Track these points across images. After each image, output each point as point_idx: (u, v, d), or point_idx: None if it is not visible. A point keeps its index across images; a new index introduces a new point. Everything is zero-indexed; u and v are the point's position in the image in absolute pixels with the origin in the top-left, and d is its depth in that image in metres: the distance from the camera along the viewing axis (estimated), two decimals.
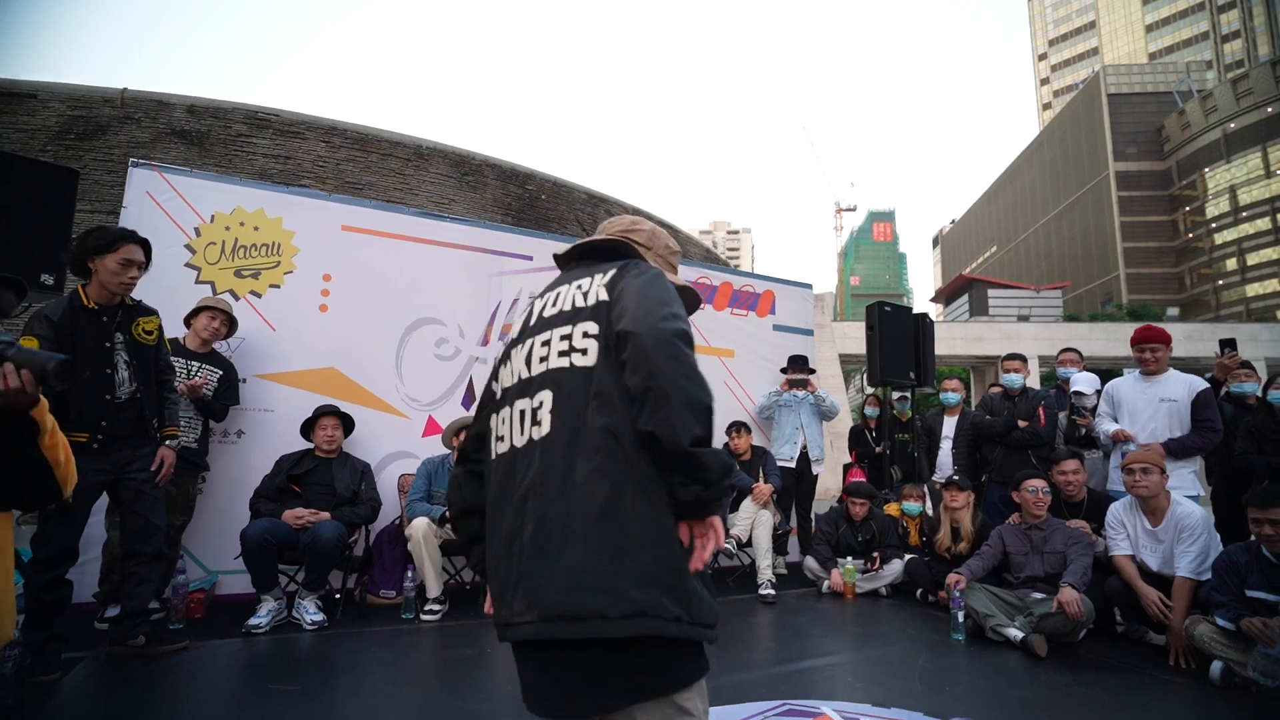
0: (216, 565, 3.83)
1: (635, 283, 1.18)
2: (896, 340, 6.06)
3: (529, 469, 1.14)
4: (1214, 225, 56.66)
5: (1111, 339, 25.74)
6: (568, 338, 1.19)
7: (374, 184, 9.41)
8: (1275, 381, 3.99)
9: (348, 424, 3.93)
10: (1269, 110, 51.38)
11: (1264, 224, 52.36)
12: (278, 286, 4.14)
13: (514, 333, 1.35)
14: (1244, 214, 53.67)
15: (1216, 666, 2.95)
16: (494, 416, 1.29)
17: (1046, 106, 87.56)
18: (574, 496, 1.07)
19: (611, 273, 1.23)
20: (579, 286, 1.25)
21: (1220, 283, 55.89)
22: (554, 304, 1.27)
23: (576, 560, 1.04)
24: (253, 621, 3.29)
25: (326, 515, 3.52)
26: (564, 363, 1.17)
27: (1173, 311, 39.96)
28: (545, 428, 1.14)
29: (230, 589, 3.81)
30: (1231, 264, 55.20)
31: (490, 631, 3.48)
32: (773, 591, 4.45)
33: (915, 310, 6.60)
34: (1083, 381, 4.73)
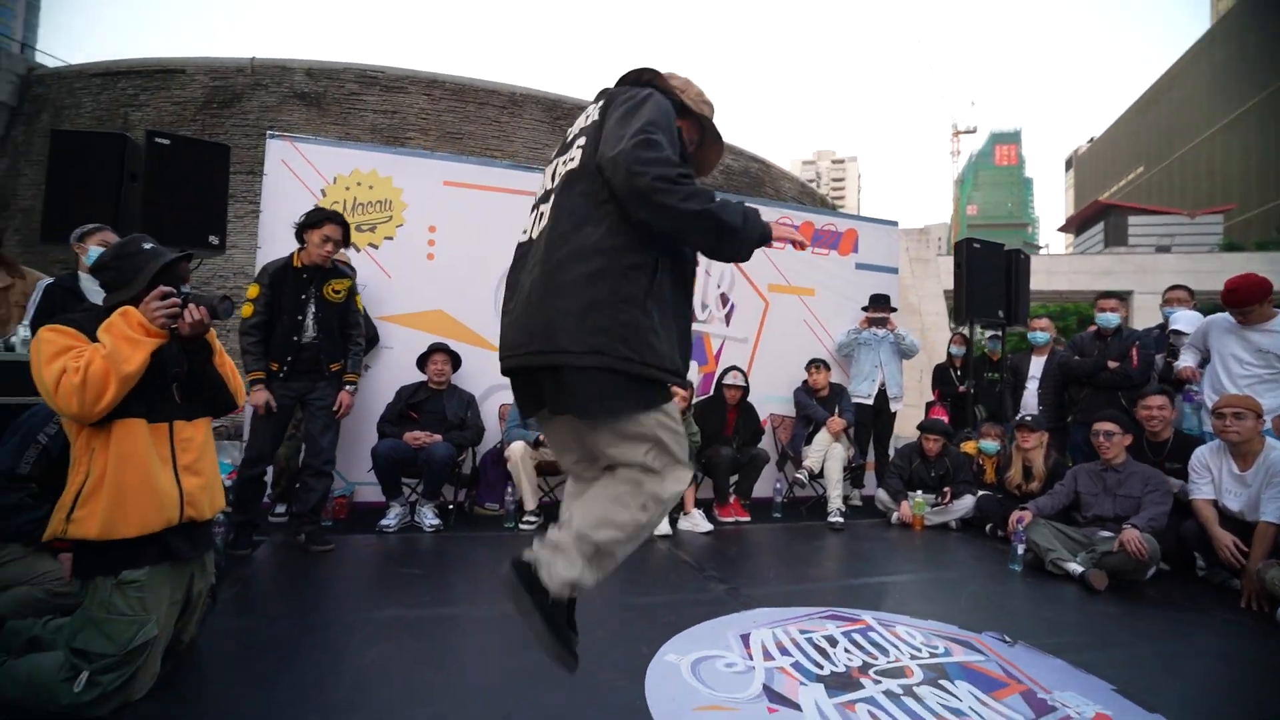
0: (353, 477, 4.55)
1: (619, 110, 1.43)
2: (986, 278, 5.90)
3: (535, 252, 1.47)
4: None
5: (1274, 272, 22.71)
6: (571, 158, 1.49)
7: (472, 133, 9.91)
8: None
9: (455, 360, 4.48)
10: None
11: None
12: (391, 239, 4.69)
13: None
14: None
15: None
16: (530, 213, 1.60)
17: None
18: (556, 269, 1.37)
19: (606, 99, 1.50)
20: (587, 113, 1.54)
21: None
22: (575, 128, 1.57)
23: (555, 311, 1.36)
24: (384, 522, 3.97)
25: (439, 437, 4.11)
26: (565, 171, 1.48)
27: None
28: (545, 220, 1.47)
29: (365, 497, 4.54)
30: None
31: None
32: (841, 520, 4.71)
33: (1036, 242, 6.34)
34: (1184, 320, 4.49)
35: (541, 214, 1.51)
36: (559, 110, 10.83)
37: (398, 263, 4.70)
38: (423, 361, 4.41)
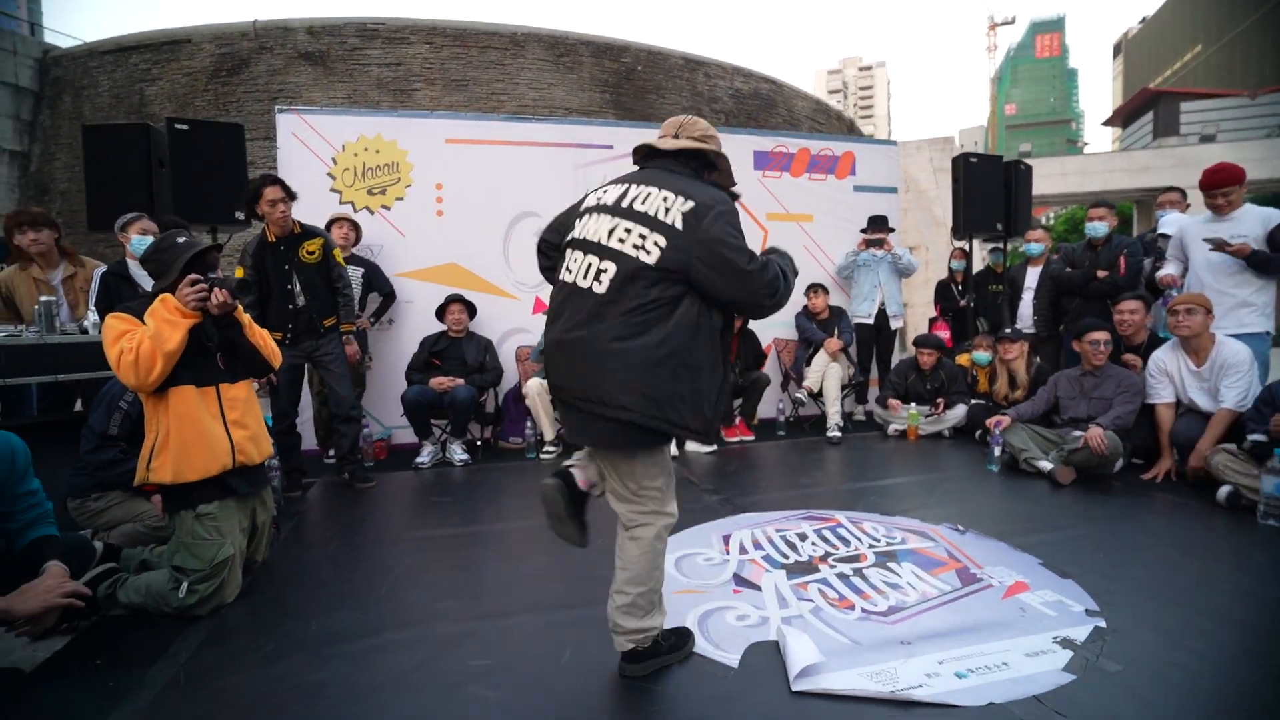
0: (390, 422, 5.04)
1: (713, 227, 1.64)
2: (984, 191, 5.93)
3: (584, 306, 1.68)
4: None
5: None
6: (644, 237, 1.65)
7: (477, 78, 9.95)
8: None
9: (471, 309, 4.84)
10: None
11: None
12: (401, 199, 4.99)
13: (605, 199, 1.77)
14: None
15: (1224, 490, 3.22)
16: (569, 251, 1.78)
17: None
18: (605, 336, 1.65)
19: (691, 205, 1.66)
20: (664, 199, 1.68)
21: None
22: (643, 202, 1.70)
23: (612, 374, 1.65)
24: (418, 460, 4.46)
25: (461, 381, 4.53)
26: (632, 252, 1.66)
27: None
28: (603, 288, 1.67)
29: (401, 439, 5.04)
30: None
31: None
32: (839, 434, 5.04)
33: (1081, 139, 6.25)
34: (1172, 224, 4.55)
35: (597, 271, 1.69)
36: (561, 47, 10.74)
37: (410, 221, 5.02)
38: (441, 312, 4.78)
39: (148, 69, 9.38)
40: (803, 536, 2.93)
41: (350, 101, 9.13)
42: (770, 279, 1.68)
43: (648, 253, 1.65)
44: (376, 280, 4.73)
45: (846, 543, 2.85)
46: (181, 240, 2.39)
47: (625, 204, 1.73)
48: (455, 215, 5.13)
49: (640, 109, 11.16)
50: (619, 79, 11.31)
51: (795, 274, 1.84)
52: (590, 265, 1.71)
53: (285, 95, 9.01)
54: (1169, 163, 22.26)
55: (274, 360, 2.60)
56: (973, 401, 5.04)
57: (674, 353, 1.64)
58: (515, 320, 5.34)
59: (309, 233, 3.83)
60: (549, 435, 4.76)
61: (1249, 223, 3.77)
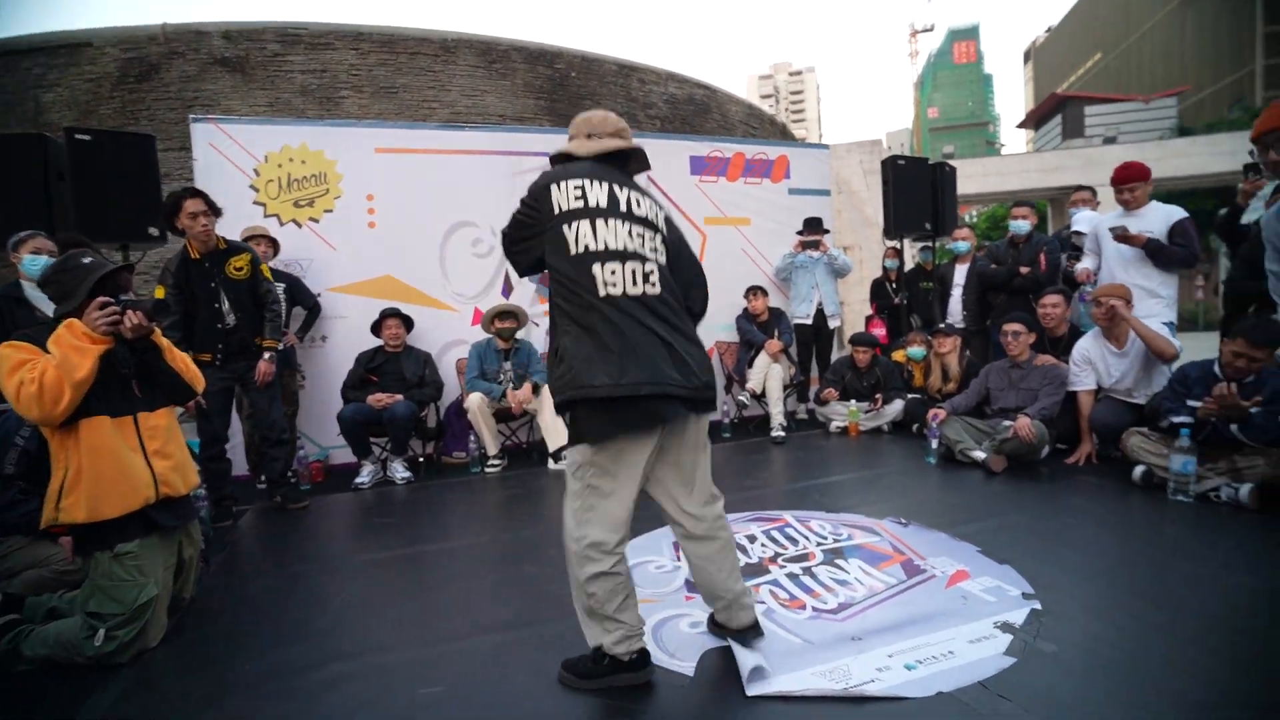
0: (326, 442, 4.84)
1: (678, 234, 1.97)
2: (913, 192, 6.16)
3: (652, 310, 1.76)
4: None
5: (1218, 153, 23.06)
6: (654, 240, 1.83)
7: (407, 85, 9.69)
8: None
9: (408, 322, 4.70)
10: None
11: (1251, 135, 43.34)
12: (330, 211, 4.81)
13: (594, 203, 1.77)
14: None
15: (1138, 470, 3.43)
16: (598, 264, 1.73)
17: None
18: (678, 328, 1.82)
19: (663, 215, 1.91)
20: (649, 202, 1.87)
21: None
22: (633, 204, 1.81)
23: (697, 361, 1.83)
24: (358, 480, 4.30)
25: (399, 397, 4.38)
26: (654, 255, 1.82)
27: None
28: (657, 289, 1.79)
29: (339, 460, 4.84)
30: None
31: (536, 476, 4.35)
32: (783, 434, 5.13)
33: (998, 141, 6.56)
34: (1084, 221, 4.83)
35: (645, 274, 1.78)
36: (494, 54, 10.58)
37: (340, 233, 4.84)
38: (376, 327, 4.62)
39: (43, 74, 8.72)
40: (752, 539, 2.96)
41: (273, 110, 8.74)
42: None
43: (660, 254, 1.85)
44: (299, 294, 4.54)
45: (795, 542, 2.89)
46: (87, 260, 2.22)
47: (624, 208, 1.80)
48: (388, 226, 4.98)
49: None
50: (553, 85, 11.24)
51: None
52: (634, 272, 1.76)
53: (201, 103, 8.55)
54: (1077, 163, 23.79)
55: (196, 385, 2.45)
56: (909, 396, 5.22)
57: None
58: (454, 332, 5.22)
59: (234, 248, 3.67)
60: (492, 449, 4.67)
61: (1154, 219, 4.04)
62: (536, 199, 1.79)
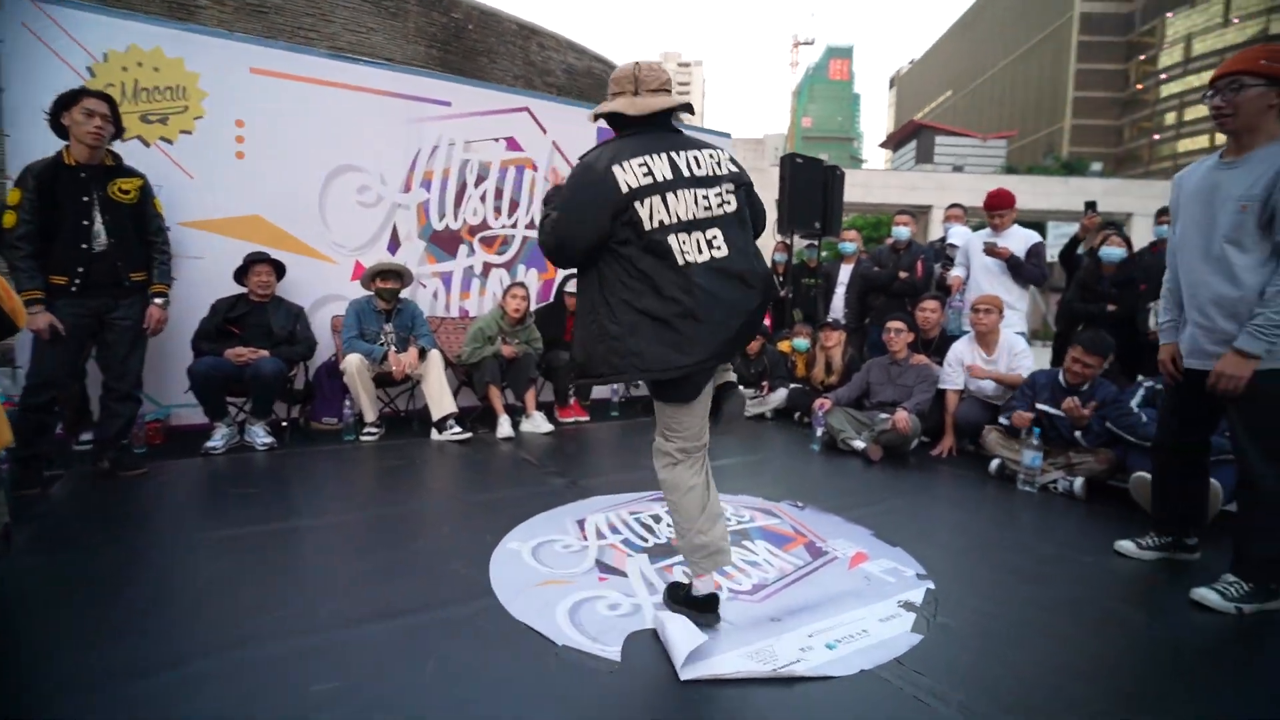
0: (167, 400, 4.19)
1: (742, 173, 1.93)
2: (806, 191, 6.43)
3: (722, 271, 1.79)
4: (1163, 76, 56.61)
5: (1036, 193, 26.69)
6: (720, 193, 1.82)
7: (280, 8, 8.61)
8: (1110, 238, 4.62)
9: (280, 269, 4.17)
10: None
11: (1210, 76, 52.67)
12: (189, 133, 4.13)
13: (657, 178, 1.75)
14: (1193, 64, 53.57)
15: (994, 463, 3.82)
16: (672, 236, 1.76)
17: None
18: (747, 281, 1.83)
19: (728, 155, 1.92)
20: (709, 155, 1.85)
21: (1156, 137, 57.01)
22: (693, 166, 1.80)
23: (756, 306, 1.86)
24: (209, 444, 3.75)
25: (265, 353, 3.88)
26: (722, 210, 1.82)
27: (1096, 167, 40.90)
28: (724, 250, 1.80)
29: (182, 420, 4.22)
30: (1170, 118, 56.03)
31: (418, 446, 4.07)
32: None
33: (860, 156, 6.94)
34: (957, 235, 5.30)
35: (709, 241, 1.80)
36: None
37: (200, 161, 4.18)
38: (241, 273, 4.06)
39: None
40: (657, 519, 2.93)
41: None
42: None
43: (729, 202, 1.84)
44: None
45: None
46: None
47: (687, 174, 1.80)
48: (260, 159, 4.38)
49: (470, 70, 10.47)
50: (448, 35, 10.52)
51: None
52: (699, 240, 1.79)
53: None
54: (931, 185, 26.43)
55: (17, 318, 1.97)
56: (792, 385, 5.46)
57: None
58: (331, 286, 4.73)
59: (125, 169, 3.19)
60: (370, 416, 4.29)
61: (1016, 240, 4.57)
62: (598, 182, 1.74)
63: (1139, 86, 59.80)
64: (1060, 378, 3.80)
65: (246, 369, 3.79)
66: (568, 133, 5.71)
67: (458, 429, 4.33)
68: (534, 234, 5.63)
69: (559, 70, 12.41)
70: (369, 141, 4.78)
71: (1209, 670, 1.91)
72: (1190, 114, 53.60)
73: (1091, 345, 3.65)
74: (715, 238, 1.80)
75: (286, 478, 3.47)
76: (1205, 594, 2.22)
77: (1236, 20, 50.52)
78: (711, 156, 1.85)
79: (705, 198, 1.80)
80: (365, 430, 4.25)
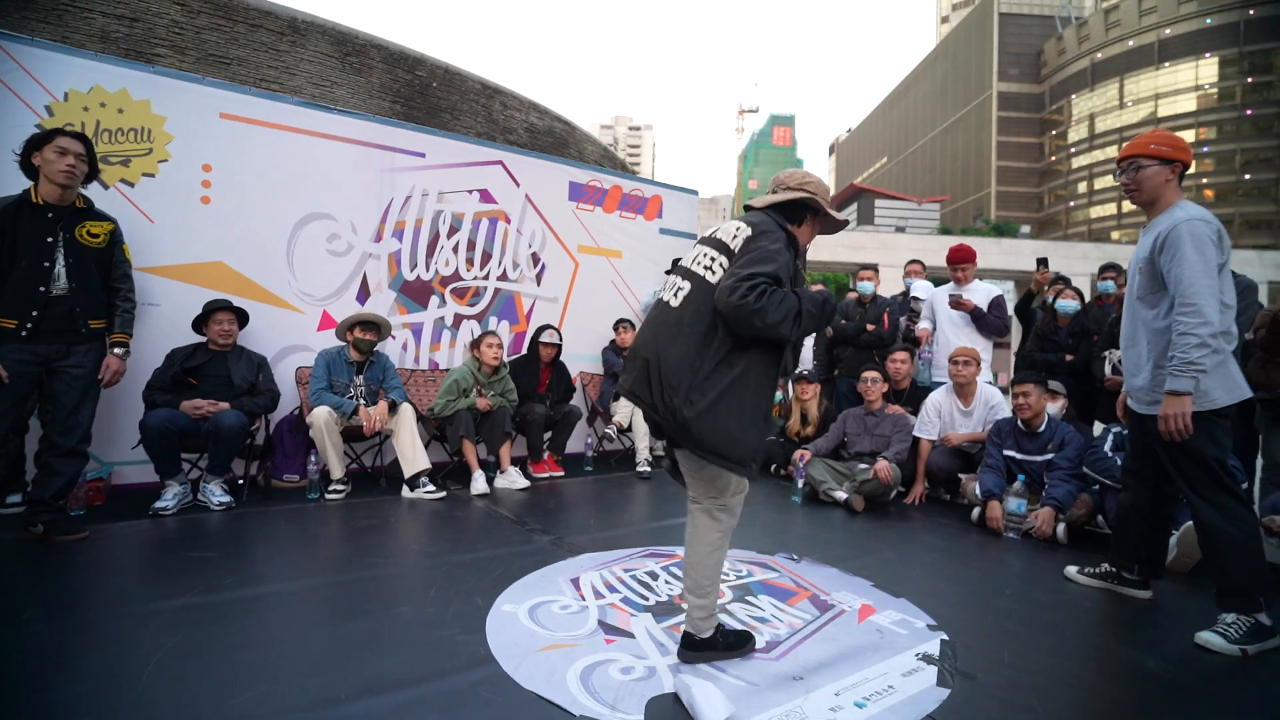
0: (110, 456, 3.87)
1: (751, 251, 1.83)
2: None
3: (662, 322, 1.90)
4: (1073, 150, 61.65)
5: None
6: (713, 259, 1.88)
7: (243, 59, 8.54)
8: (1063, 292, 4.87)
9: (242, 318, 3.98)
10: (1130, 43, 55.28)
11: (1112, 151, 57.57)
12: (151, 175, 3.96)
13: (706, 234, 2.01)
14: (1097, 141, 58.65)
15: (977, 511, 3.86)
16: (667, 278, 1.97)
17: (945, 20, 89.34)
18: (677, 350, 1.83)
19: (749, 231, 1.87)
20: (736, 228, 1.92)
21: (1071, 204, 61.56)
22: (724, 232, 1.93)
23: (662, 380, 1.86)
24: (159, 504, 3.46)
25: (226, 405, 3.66)
26: (701, 271, 1.89)
27: (1025, 230, 43.88)
28: (677, 302, 1.90)
29: (126, 479, 3.90)
30: (1082, 187, 60.74)
31: (388, 505, 3.86)
32: (649, 469, 5.09)
33: None
34: (920, 289, 5.50)
35: (677, 288, 1.96)
36: (350, 45, 9.73)
37: (162, 205, 4.00)
38: (201, 321, 3.86)
39: None
40: (654, 575, 2.82)
41: None
42: (762, 303, 1.72)
43: (713, 272, 1.86)
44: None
45: None
46: None
47: (708, 236, 1.98)
48: (227, 206, 4.23)
49: (433, 126, 10.56)
50: (412, 91, 10.60)
51: (816, 319, 1.86)
52: (677, 287, 1.94)
53: None
54: (875, 244, 27.71)
55: None
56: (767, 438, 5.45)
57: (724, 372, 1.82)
58: (295, 336, 4.54)
59: (96, 213, 3.05)
60: (337, 472, 4.06)
61: (978, 294, 4.79)
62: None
63: (1052, 158, 64.89)
64: (1017, 422, 3.93)
65: (205, 422, 3.55)
66: (540, 186, 5.76)
67: (430, 486, 4.13)
68: (506, 285, 5.58)
69: (521, 129, 12.63)
70: (341, 190, 4.69)
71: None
72: (1099, 184, 58.31)
73: (1020, 378, 3.90)
74: (682, 290, 1.93)
75: (248, 540, 3.21)
76: (1209, 638, 2.27)
77: (1130, 103, 55.86)
78: (735, 232, 1.92)
79: (702, 255, 1.95)
80: (331, 488, 4.01)
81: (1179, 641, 2.31)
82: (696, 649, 2.01)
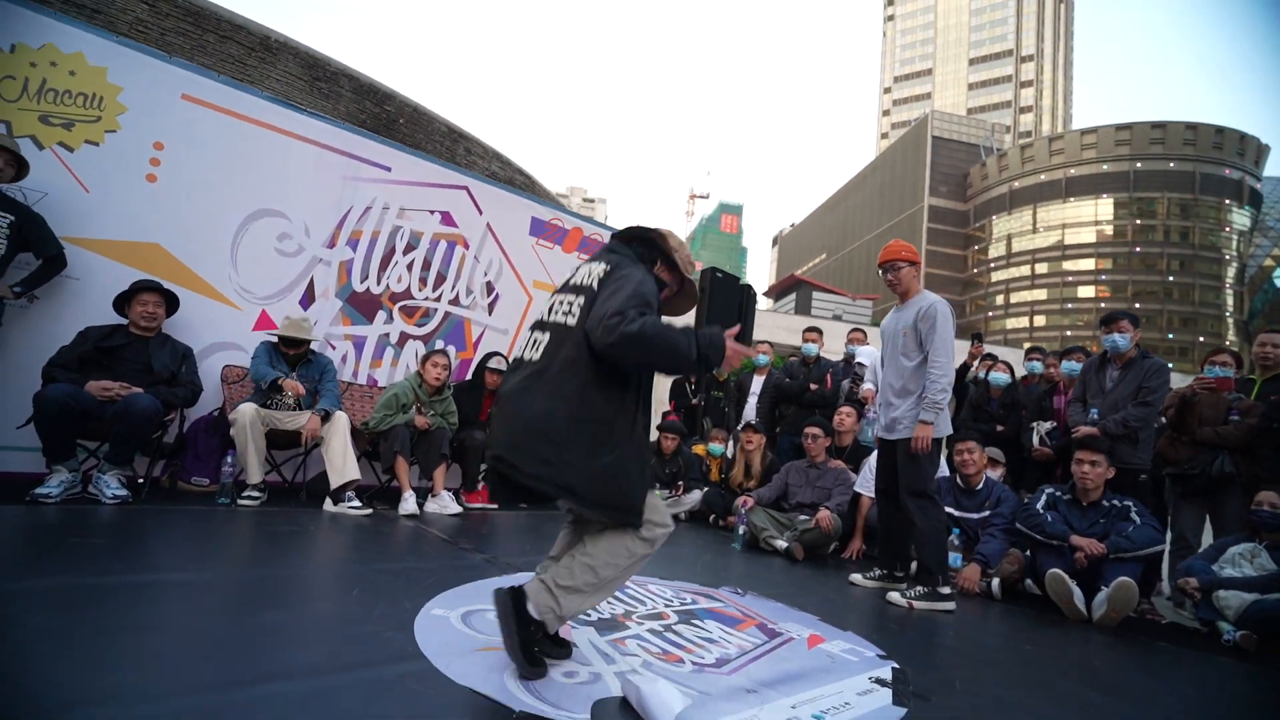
0: None
1: (612, 284, 1.73)
2: (725, 306, 6.72)
3: (516, 377, 1.79)
4: (992, 265, 66.95)
5: None
6: (570, 303, 1.78)
7: (211, 68, 8.38)
8: (995, 366, 5.14)
9: (171, 303, 3.72)
10: (1041, 177, 61.62)
11: (1025, 270, 63.08)
12: (95, 144, 3.74)
13: (560, 283, 1.92)
14: (1013, 260, 64.07)
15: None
16: (527, 334, 1.87)
17: (884, 136, 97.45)
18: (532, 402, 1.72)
19: (605, 269, 1.78)
20: (591, 268, 1.82)
21: (989, 314, 66.28)
22: (580, 276, 1.84)
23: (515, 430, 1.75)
24: (41, 490, 3.05)
25: (139, 390, 3.35)
26: (561, 319, 1.78)
27: None
28: (536, 355, 1.78)
29: (3, 464, 3.47)
30: (999, 300, 65.69)
31: (309, 515, 3.59)
32: None
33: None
34: (864, 354, 5.69)
35: (536, 341, 1.85)
36: (321, 71, 9.78)
37: (102, 176, 3.77)
38: (124, 301, 3.58)
39: None
40: None
41: None
42: (638, 326, 1.60)
43: (573, 316, 1.75)
44: (35, 237, 3.37)
45: (642, 602, 2.66)
46: None
47: (568, 283, 1.87)
48: (174, 187, 4.03)
49: None
50: (380, 124, 10.63)
51: (685, 351, 1.73)
52: (534, 339, 1.83)
53: None
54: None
55: None
56: (706, 488, 5.40)
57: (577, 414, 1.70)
58: (227, 333, 4.26)
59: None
60: (255, 477, 3.75)
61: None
62: None
63: (974, 270, 70.24)
64: (956, 479, 4.05)
65: (112, 405, 3.23)
66: (503, 218, 5.76)
67: (357, 502, 3.85)
68: (457, 310, 5.47)
69: (483, 176, 12.74)
70: (299, 191, 4.56)
71: None
72: (1015, 298, 63.29)
73: (963, 435, 4.10)
74: (540, 341, 1.82)
75: (142, 534, 2.87)
76: (895, 597, 3.21)
77: (1042, 229, 61.70)
78: (593, 272, 1.81)
79: (561, 303, 1.84)
80: (245, 493, 3.68)
81: (1123, 680, 2.33)
82: (525, 623, 1.74)
